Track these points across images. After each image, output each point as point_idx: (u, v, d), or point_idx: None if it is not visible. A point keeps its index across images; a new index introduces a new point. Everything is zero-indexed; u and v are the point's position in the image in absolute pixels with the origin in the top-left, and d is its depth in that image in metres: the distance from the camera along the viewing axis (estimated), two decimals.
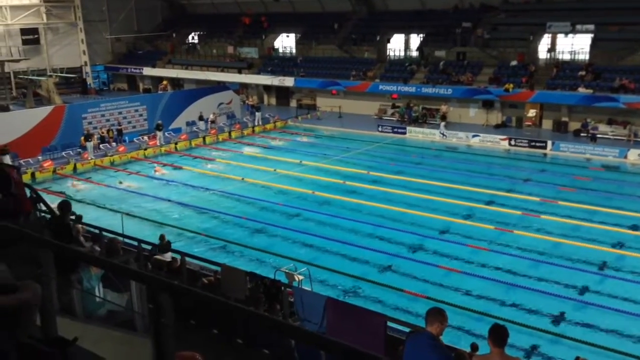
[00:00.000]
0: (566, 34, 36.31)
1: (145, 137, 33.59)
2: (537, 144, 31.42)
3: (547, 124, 34.98)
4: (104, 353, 3.72)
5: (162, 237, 15.69)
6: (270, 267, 15.56)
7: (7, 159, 25.73)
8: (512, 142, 32.17)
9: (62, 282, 4.66)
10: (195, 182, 26.41)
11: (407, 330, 9.13)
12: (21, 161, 27.29)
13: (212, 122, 37.00)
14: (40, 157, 29.20)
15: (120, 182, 26.48)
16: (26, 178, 24.20)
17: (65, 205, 7.91)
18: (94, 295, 5.00)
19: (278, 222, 20.93)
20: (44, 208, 9.20)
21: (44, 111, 31.92)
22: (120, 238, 12.24)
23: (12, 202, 6.34)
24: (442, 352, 5.22)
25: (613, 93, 31.49)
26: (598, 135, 31.68)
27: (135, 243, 12.35)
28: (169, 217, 21.80)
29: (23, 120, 30.28)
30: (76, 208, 12.46)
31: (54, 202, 9.86)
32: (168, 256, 13.76)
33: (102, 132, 32.48)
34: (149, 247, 13.57)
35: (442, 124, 35.04)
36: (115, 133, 32.97)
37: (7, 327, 2.91)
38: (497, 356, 5.51)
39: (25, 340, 2.97)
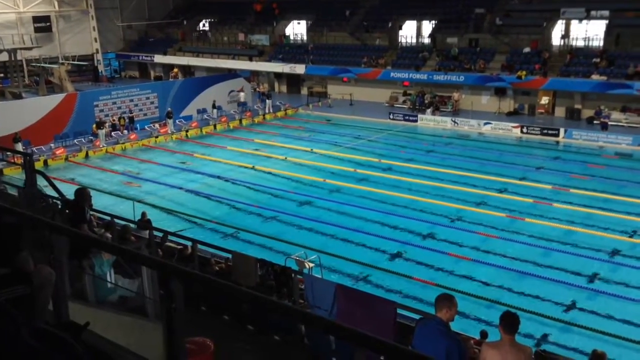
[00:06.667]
0: (580, 20, 35.86)
1: (157, 125, 33.70)
2: (550, 132, 31.16)
3: (560, 112, 34.67)
4: (115, 338, 3.76)
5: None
6: (281, 255, 15.61)
7: (19, 147, 25.94)
8: (525, 130, 31.92)
9: (74, 268, 4.70)
10: (206, 169, 26.50)
11: (417, 317, 9.14)
12: (34, 148, 27.49)
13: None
14: (52, 145, 29.40)
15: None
16: (39, 165, 24.40)
17: (81, 192, 7.94)
18: (106, 281, 5.05)
19: (289, 210, 20.95)
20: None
21: (56, 99, 32.10)
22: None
23: None
24: (450, 338, 5.23)
25: (627, 80, 31.13)
26: (611, 123, 31.38)
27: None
28: (181, 204, 21.90)
29: (35, 108, 30.47)
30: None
31: (66, 189, 9.94)
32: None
33: (114, 120, 32.62)
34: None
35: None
36: (127, 121, 33.10)
37: (23, 312, 2.94)
38: (508, 343, 5.51)
39: (40, 325, 3.00)
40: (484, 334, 10.28)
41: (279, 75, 46.26)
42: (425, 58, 39.28)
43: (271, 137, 32.59)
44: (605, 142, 29.51)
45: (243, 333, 8.81)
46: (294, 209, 21.10)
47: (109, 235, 9.78)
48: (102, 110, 32.42)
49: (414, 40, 42.86)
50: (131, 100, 34.09)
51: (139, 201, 21.05)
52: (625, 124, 31.53)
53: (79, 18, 51.58)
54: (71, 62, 46.03)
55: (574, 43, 36.43)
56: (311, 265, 12.69)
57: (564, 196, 21.81)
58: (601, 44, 35.03)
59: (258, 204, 21.66)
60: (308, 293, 9.86)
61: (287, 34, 49.38)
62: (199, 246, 13.03)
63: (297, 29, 49.44)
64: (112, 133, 31.73)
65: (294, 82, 46.07)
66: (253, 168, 26.42)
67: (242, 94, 39.49)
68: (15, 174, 19.65)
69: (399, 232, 18.74)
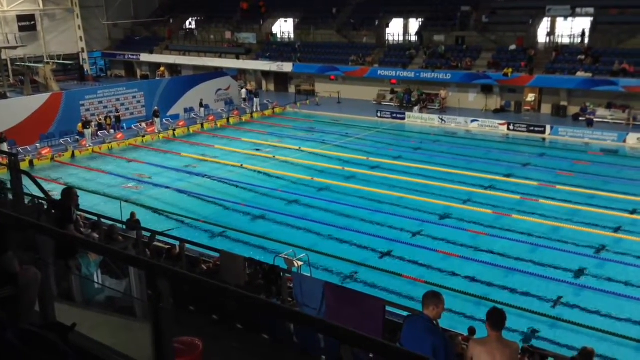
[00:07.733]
0: (566, 17, 36.13)
1: (143, 124, 33.51)
2: (536, 129, 31.35)
3: (546, 109, 34.90)
4: (103, 339, 3.73)
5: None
6: (269, 253, 15.60)
7: (5, 147, 25.70)
8: (511, 127, 32.11)
9: (61, 268, 4.67)
10: (194, 169, 26.39)
11: (405, 314, 9.17)
12: (19, 149, 27.23)
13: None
14: (38, 145, 29.15)
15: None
16: (24, 165, 24.17)
17: (67, 192, 7.87)
18: (93, 282, 5.01)
19: (277, 209, 20.92)
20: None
21: (41, 98, 31.82)
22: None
23: None
24: (437, 335, 5.25)
25: (612, 77, 31.39)
26: (597, 120, 31.63)
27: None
28: (169, 203, 21.79)
29: (21, 107, 30.19)
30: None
31: (52, 189, 9.85)
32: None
33: (100, 119, 32.41)
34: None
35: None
36: (113, 120, 32.89)
37: (9, 313, 2.92)
38: (495, 340, 5.54)
39: (25, 326, 2.97)
40: (472, 331, 10.34)
41: (266, 74, 46.18)
42: (413, 56, 39.37)
43: (259, 136, 32.52)
44: (590, 139, 29.75)
45: (232, 332, 8.80)
46: (282, 208, 21.07)
47: (95, 235, 9.72)
48: (88, 110, 32.18)
49: (401, 38, 42.94)
50: (117, 100, 33.87)
51: (126, 201, 20.93)
52: (610, 121, 31.78)
53: (64, 17, 51.14)
54: (56, 61, 45.68)
55: (559, 40, 36.70)
56: (300, 263, 12.69)
57: (550, 192, 21.96)
58: (586, 40, 35.31)
59: (246, 203, 21.60)
60: (297, 291, 9.86)
61: (274, 32, 49.30)
62: (187, 246, 12.99)
63: (284, 27, 49.37)
64: (99, 132, 31.53)
65: (281, 80, 46.00)
66: (241, 167, 26.36)
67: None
68: (0, 175, 19.45)
69: (387, 230, 18.77)
